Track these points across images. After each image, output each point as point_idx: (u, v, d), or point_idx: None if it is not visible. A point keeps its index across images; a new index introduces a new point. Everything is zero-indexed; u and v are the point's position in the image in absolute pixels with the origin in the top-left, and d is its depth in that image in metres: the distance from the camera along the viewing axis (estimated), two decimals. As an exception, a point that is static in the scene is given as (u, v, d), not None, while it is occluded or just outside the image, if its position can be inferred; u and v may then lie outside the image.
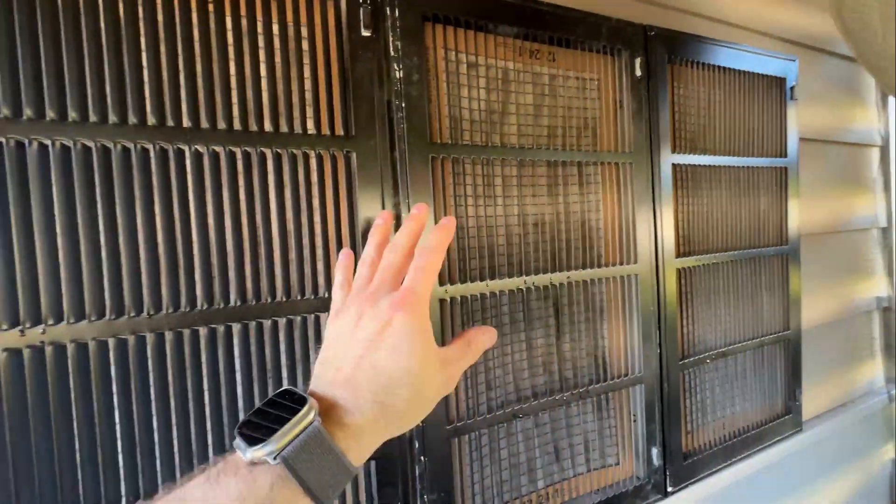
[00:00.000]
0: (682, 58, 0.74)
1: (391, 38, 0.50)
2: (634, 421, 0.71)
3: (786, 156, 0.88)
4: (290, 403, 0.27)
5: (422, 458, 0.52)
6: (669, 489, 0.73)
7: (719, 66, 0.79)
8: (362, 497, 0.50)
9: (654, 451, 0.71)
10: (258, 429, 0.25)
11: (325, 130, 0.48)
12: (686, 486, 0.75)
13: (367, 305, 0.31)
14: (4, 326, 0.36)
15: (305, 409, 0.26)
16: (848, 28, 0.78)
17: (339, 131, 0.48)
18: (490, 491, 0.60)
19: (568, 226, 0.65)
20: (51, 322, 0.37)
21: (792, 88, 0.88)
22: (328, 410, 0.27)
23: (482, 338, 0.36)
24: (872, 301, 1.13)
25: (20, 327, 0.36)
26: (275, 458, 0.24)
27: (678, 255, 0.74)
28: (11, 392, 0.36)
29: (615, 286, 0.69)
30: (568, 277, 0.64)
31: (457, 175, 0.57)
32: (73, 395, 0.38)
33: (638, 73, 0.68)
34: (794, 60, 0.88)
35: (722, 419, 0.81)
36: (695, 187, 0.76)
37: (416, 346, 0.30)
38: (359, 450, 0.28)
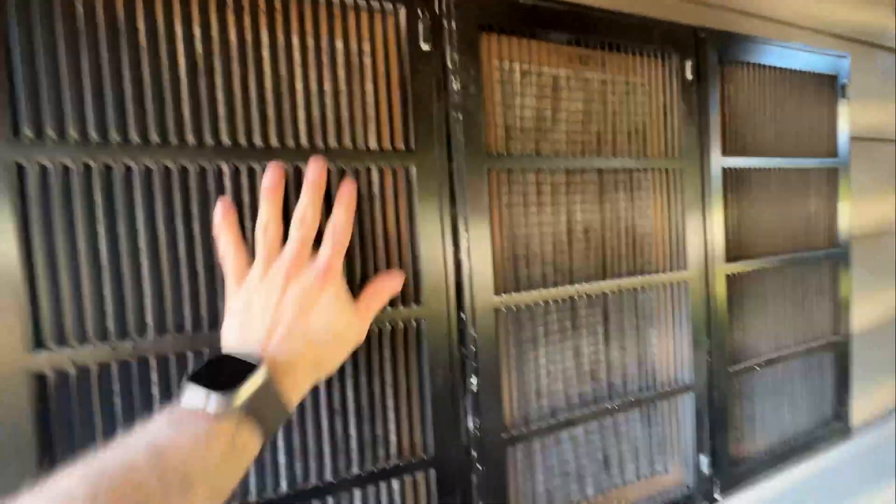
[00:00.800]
0: (732, 59, 0.72)
1: (449, 51, 0.50)
2: (679, 430, 0.70)
3: (836, 156, 0.86)
4: (240, 360, 0.31)
5: (479, 466, 0.53)
6: (717, 496, 0.72)
7: (770, 66, 0.76)
8: (422, 504, 0.51)
9: (704, 460, 0.70)
10: (214, 382, 0.29)
11: (387, 145, 0.48)
12: (734, 494, 0.74)
13: (291, 279, 0.35)
14: (97, 341, 0.38)
15: (263, 369, 0.31)
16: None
17: (400, 146, 0.49)
18: (542, 497, 0.60)
19: (617, 233, 0.64)
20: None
21: (843, 86, 0.85)
22: (272, 365, 0.32)
23: (388, 284, 0.42)
24: (923, 304, 1.09)
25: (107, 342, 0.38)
26: (240, 409, 0.29)
27: (727, 260, 0.72)
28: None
29: (665, 293, 0.68)
30: (618, 285, 0.63)
31: (511, 184, 0.57)
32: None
33: (689, 76, 0.67)
34: (845, 57, 0.85)
35: (770, 426, 0.79)
36: (744, 190, 0.75)
37: (341, 311, 0.36)
38: (297, 395, 0.34)
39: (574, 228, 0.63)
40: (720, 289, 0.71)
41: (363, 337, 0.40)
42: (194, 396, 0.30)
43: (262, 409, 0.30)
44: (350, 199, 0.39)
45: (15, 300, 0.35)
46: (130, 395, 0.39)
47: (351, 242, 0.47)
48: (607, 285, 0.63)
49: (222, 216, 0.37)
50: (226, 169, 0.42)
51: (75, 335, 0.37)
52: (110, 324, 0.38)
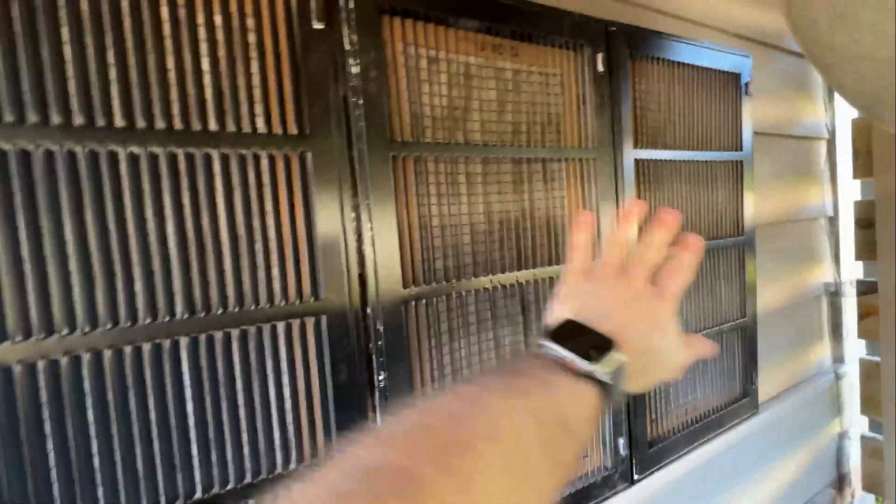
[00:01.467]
0: (642, 53, 0.74)
1: (346, 31, 0.48)
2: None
3: (741, 149, 0.91)
4: (598, 334, 0.31)
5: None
6: (636, 477, 0.75)
7: (678, 62, 0.80)
8: None
9: (621, 442, 0.72)
10: (578, 347, 0.30)
11: (277, 129, 0.45)
12: (651, 473, 0.77)
13: (646, 284, 0.36)
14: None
15: (621, 352, 0.31)
16: (796, 25, 0.81)
17: (293, 130, 0.46)
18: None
19: (533, 223, 0.65)
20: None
21: (746, 84, 0.91)
22: (628, 350, 0.32)
23: (707, 345, 0.42)
24: (821, 286, 1.20)
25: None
26: (606, 377, 0.29)
27: (641, 248, 0.75)
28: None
29: (581, 282, 0.69)
30: (534, 275, 0.64)
31: (419, 174, 0.55)
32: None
33: (600, 68, 0.69)
34: (748, 57, 0.91)
35: (684, 406, 0.84)
36: (656, 181, 0.78)
37: (676, 334, 0.36)
38: (630, 388, 0.33)
39: (492, 219, 0.62)
40: (634, 276, 0.73)
41: (684, 367, 0.38)
42: (562, 353, 0.29)
43: (615, 387, 0.30)
44: (698, 251, 0.39)
45: None
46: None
47: (237, 238, 0.43)
48: (524, 275, 0.63)
49: (585, 220, 0.39)
50: (79, 152, 0.37)
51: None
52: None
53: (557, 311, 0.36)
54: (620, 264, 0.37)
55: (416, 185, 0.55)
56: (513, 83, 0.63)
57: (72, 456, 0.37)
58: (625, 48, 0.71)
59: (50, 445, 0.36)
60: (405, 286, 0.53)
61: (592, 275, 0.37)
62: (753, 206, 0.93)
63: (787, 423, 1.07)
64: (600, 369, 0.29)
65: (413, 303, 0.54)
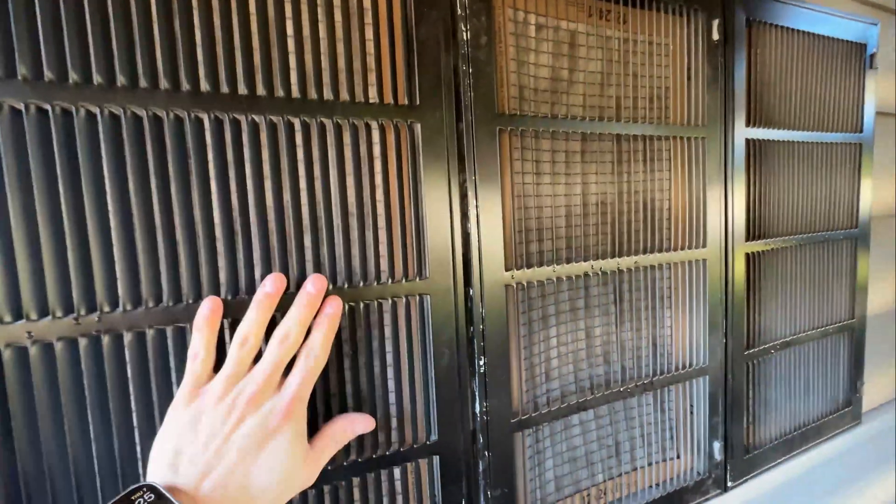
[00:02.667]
0: (761, 20, 0.67)
1: (458, -6, 0.45)
2: (692, 414, 0.67)
3: (861, 131, 0.81)
4: (167, 499, 0.28)
5: (486, 452, 0.49)
6: (730, 484, 0.69)
7: (797, 30, 0.71)
8: (425, 492, 0.47)
9: (717, 446, 0.67)
10: None
11: (388, 98, 0.43)
12: (746, 481, 0.71)
13: (251, 408, 0.32)
14: (59, 314, 0.33)
15: None
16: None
17: (403, 100, 0.44)
18: (551, 484, 0.57)
19: (633, 207, 0.60)
20: (106, 310, 0.34)
21: (872, 56, 0.80)
22: None
23: (353, 427, 0.39)
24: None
25: (74, 314, 0.34)
26: None
27: (748, 238, 0.68)
28: (69, 383, 0.34)
29: (682, 272, 0.64)
30: (635, 262, 0.59)
31: (521, 150, 0.52)
32: (130, 385, 0.35)
33: (715, 36, 0.62)
34: (875, 24, 0.80)
35: (784, 411, 0.77)
36: (767, 164, 0.70)
37: (292, 456, 0.33)
38: None
39: (588, 201, 0.58)
40: (739, 268, 0.67)
41: (310, 483, 0.36)
42: None
43: None
44: (333, 323, 0.36)
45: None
46: (100, 372, 0.34)
47: (348, 211, 0.42)
48: (623, 262, 0.58)
49: (209, 313, 0.35)
50: (206, 119, 0.37)
51: (35, 307, 0.33)
52: (76, 295, 0.34)
53: (153, 460, 0.33)
54: (235, 373, 0.33)
55: (517, 162, 0.52)
56: (618, 53, 0.58)
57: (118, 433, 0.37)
58: (742, 13, 0.64)
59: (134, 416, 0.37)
60: (507, 269, 0.50)
61: (200, 400, 0.33)
62: (871, 196, 0.83)
63: (888, 438, 0.97)
64: None
65: (514, 287, 0.51)
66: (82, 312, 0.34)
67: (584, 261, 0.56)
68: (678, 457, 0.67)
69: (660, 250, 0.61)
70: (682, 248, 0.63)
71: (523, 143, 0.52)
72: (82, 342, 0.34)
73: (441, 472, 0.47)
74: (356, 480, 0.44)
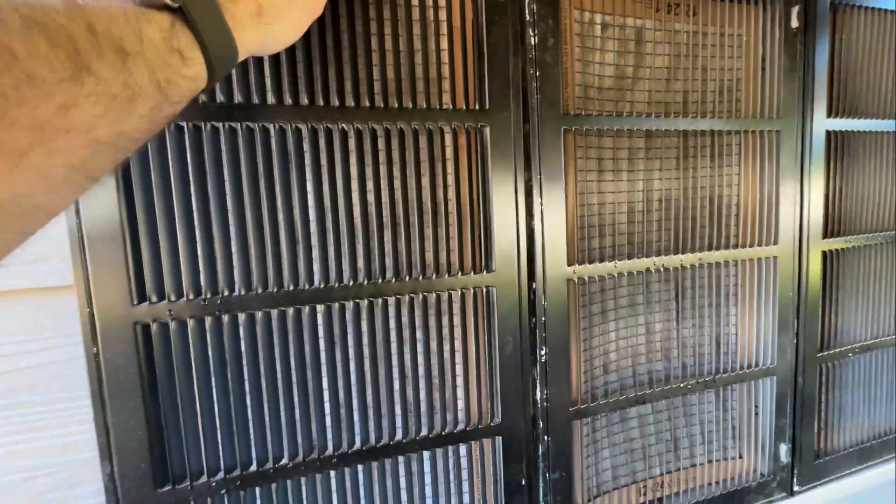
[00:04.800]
0: (846, 2, 0.62)
1: (528, 0, 0.47)
2: (756, 414, 0.66)
3: (966, 117, 0.73)
4: None
5: (545, 437, 0.52)
6: (796, 488, 0.67)
7: (889, 10, 0.66)
8: (489, 470, 0.51)
9: (783, 448, 0.65)
10: None
11: (461, 104, 0.46)
12: (814, 487, 0.69)
13: None
14: (191, 296, 0.40)
15: None
16: None
17: (474, 105, 0.47)
18: (607, 473, 0.59)
19: (698, 203, 0.59)
20: (225, 293, 0.41)
21: (983, 33, 0.72)
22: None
23: None
24: None
25: (202, 297, 0.40)
26: (175, 2, 0.25)
27: (825, 235, 0.65)
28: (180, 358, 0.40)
29: (750, 269, 0.63)
30: (699, 259, 0.59)
31: (584, 148, 0.54)
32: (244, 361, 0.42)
33: (794, 24, 0.59)
34: None
35: (862, 418, 0.73)
36: (850, 157, 0.66)
37: None
38: (241, 39, 0.29)
39: (651, 198, 0.58)
40: (814, 267, 0.64)
41: (317, 13, 0.35)
42: None
43: (204, 23, 0.26)
44: None
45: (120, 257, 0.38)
46: (220, 344, 0.41)
47: (422, 209, 0.46)
48: (686, 259, 0.58)
49: None
50: (304, 128, 0.42)
51: (173, 290, 0.39)
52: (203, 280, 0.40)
53: None
54: None
55: (580, 160, 0.53)
56: (686, 47, 0.57)
57: (250, 406, 0.43)
58: (826, -2, 0.61)
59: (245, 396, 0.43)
60: (569, 264, 0.52)
61: None
62: (976, 189, 0.75)
63: None
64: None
65: (576, 281, 0.53)
66: (208, 295, 0.40)
67: (646, 257, 0.56)
68: (740, 457, 0.66)
69: (726, 247, 0.60)
70: (752, 246, 0.61)
71: (587, 142, 0.54)
72: (208, 320, 0.40)
73: (503, 453, 0.50)
74: (426, 454, 0.48)
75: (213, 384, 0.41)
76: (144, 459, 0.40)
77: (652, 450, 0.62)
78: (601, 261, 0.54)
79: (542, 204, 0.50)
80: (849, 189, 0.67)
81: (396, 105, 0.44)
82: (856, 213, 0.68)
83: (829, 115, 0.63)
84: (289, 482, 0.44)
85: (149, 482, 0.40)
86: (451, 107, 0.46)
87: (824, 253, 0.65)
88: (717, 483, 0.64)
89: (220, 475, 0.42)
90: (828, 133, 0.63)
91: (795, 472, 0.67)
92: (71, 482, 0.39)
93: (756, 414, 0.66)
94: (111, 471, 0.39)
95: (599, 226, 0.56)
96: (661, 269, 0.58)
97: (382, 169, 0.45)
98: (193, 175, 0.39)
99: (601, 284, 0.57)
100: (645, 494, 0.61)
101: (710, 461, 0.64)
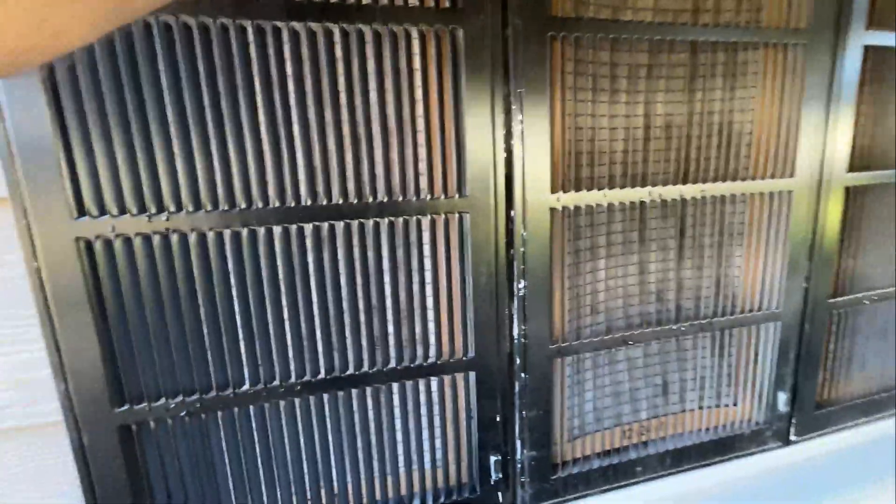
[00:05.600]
0: None
1: None
2: (756, 361, 0.62)
3: None
4: None
5: (522, 374, 0.50)
6: (793, 438, 0.64)
7: None
8: (461, 405, 0.49)
9: (782, 396, 0.62)
10: None
11: (429, 1, 0.41)
12: (813, 438, 0.66)
13: None
14: (135, 212, 0.37)
15: None
16: None
17: (445, 1, 0.41)
18: (590, 415, 0.57)
19: (706, 130, 0.53)
20: (172, 209, 0.38)
21: None
22: None
23: None
24: None
25: (147, 213, 0.38)
26: None
27: (851, 169, 0.58)
28: (147, 273, 0.38)
29: (761, 205, 0.57)
30: (702, 191, 0.53)
31: (576, 62, 0.48)
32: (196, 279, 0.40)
33: (836, -90, 0.50)
34: None
35: (872, 370, 0.68)
36: (890, 79, 0.58)
37: None
38: None
39: (652, 124, 0.52)
40: (835, 204, 0.58)
41: None
42: None
43: None
44: None
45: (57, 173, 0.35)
46: (170, 266, 0.39)
47: (387, 125, 0.42)
48: (687, 191, 0.53)
49: None
50: (249, 27, 0.37)
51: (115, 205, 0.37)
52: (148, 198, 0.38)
53: None
54: None
55: (570, 75, 0.48)
56: (703, -58, 0.49)
57: (225, 326, 0.41)
58: None
59: (204, 313, 0.41)
60: (553, 191, 0.47)
61: None
62: None
63: None
64: None
65: (560, 211, 0.48)
66: (153, 211, 0.38)
67: (642, 186, 0.51)
68: (735, 404, 0.63)
69: (734, 179, 0.54)
70: (763, 178, 0.55)
71: (578, 54, 0.48)
72: (155, 238, 0.38)
73: (477, 388, 0.49)
74: (395, 386, 0.47)
75: (166, 306, 0.39)
76: (99, 379, 0.39)
77: (640, 393, 0.59)
78: (590, 189, 0.49)
79: (522, 123, 0.45)
80: (883, 118, 0.59)
81: (354, 0, 0.39)
82: (889, 146, 0.60)
83: (868, 26, 0.54)
84: (251, 408, 0.43)
85: (105, 401, 0.39)
86: (419, 3, 0.40)
87: (847, 189, 0.59)
88: (707, 430, 0.62)
89: (179, 398, 0.41)
90: (866, 49, 0.55)
91: (794, 421, 0.64)
92: (28, 399, 0.39)
93: (755, 362, 0.62)
94: (66, 389, 0.38)
95: (590, 153, 0.51)
96: (659, 202, 0.53)
97: (341, 81, 0.40)
98: (127, 80, 0.35)
99: (591, 218, 0.52)
100: (630, 438, 0.60)
101: (701, 407, 0.61)
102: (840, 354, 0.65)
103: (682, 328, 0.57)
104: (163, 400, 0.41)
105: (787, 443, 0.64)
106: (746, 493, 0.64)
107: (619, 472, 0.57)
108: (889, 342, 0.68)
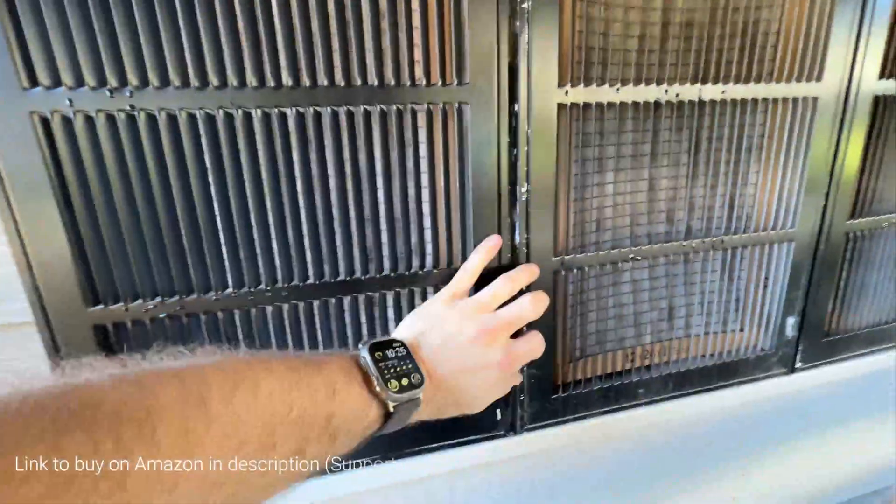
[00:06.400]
0: None
1: None
2: (766, 286, 0.60)
3: None
4: (414, 363, 0.34)
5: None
6: (798, 365, 0.63)
7: None
8: (460, 319, 0.47)
9: (790, 321, 0.60)
10: (385, 363, 0.32)
11: None
12: (818, 366, 0.65)
13: (489, 337, 0.38)
14: (93, 84, 0.33)
15: (425, 387, 0.33)
16: None
17: None
18: (591, 337, 0.55)
19: (731, 28, 0.48)
20: (136, 84, 0.34)
21: None
22: (432, 388, 0.35)
23: (538, 349, 0.43)
24: None
25: (107, 88, 0.34)
26: (392, 404, 0.31)
27: (883, 75, 0.54)
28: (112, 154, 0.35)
29: (783, 112, 0.53)
30: (722, 92, 0.49)
31: (589, -63, 0.42)
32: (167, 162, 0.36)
33: None
34: None
35: (885, 298, 0.66)
36: (933, -27, 0.52)
37: (498, 391, 0.40)
38: (418, 417, 0.35)
39: (671, 20, 0.47)
40: (862, 115, 0.54)
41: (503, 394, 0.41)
42: (370, 366, 0.32)
43: (400, 414, 0.32)
44: (544, 300, 0.43)
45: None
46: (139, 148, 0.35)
47: (378, 4, 0.37)
48: (706, 91, 0.49)
49: (492, 245, 0.43)
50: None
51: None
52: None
53: (402, 327, 0.39)
54: (487, 308, 0.40)
55: (585, -48, 0.42)
56: None
57: (232, 207, 0.38)
58: None
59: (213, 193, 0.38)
60: (561, 84, 0.43)
61: (459, 305, 0.39)
62: None
63: None
64: (392, 398, 0.30)
65: (568, 107, 0.44)
66: (115, 85, 0.34)
67: (657, 84, 0.47)
68: (741, 330, 0.61)
69: (756, 81, 0.50)
70: (789, 81, 0.51)
71: (593, -73, 0.42)
72: (120, 116, 0.34)
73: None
74: (390, 295, 0.44)
75: (137, 197, 0.36)
76: (70, 275, 0.36)
77: (644, 317, 0.57)
78: (601, 84, 0.45)
79: (529, 2, 0.40)
80: (922, 20, 0.54)
81: None
82: (925, 51, 0.55)
83: None
84: (236, 312, 0.41)
85: (78, 300, 0.37)
86: None
87: (877, 98, 0.54)
88: (710, 355, 0.60)
89: (158, 299, 0.38)
90: (911, -66, 0.49)
91: (800, 348, 0.62)
92: (-5, 296, 0.36)
93: (766, 286, 0.60)
94: (34, 285, 0.36)
95: (602, 49, 0.46)
96: (675, 103, 0.48)
97: (324, -63, 0.35)
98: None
99: (601, 124, 0.48)
100: (633, 361, 0.58)
101: (707, 333, 0.59)
102: (854, 280, 0.63)
103: (692, 244, 0.54)
104: (140, 301, 0.38)
105: (793, 370, 0.63)
106: (749, 418, 0.63)
107: (621, 395, 0.56)
108: (903, 270, 0.66)
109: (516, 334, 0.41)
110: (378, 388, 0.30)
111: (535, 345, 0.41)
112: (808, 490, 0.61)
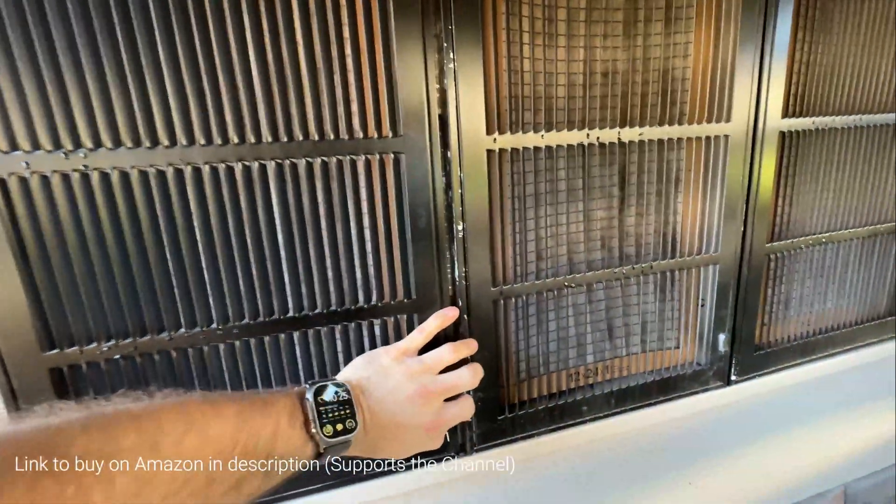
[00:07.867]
0: None
1: None
2: (702, 306, 0.65)
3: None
4: (352, 407, 0.38)
5: (464, 316, 0.51)
6: (733, 377, 0.68)
7: None
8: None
9: (721, 338, 0.65)
10: (326, 407, 0.36)
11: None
12: (753, 378, 0.69)
13: (425, 399, 0.42)
14: (49, 148, 0.36)
15: (357, 432, 0.37)
16: None
17: (368, -67, 0.40)
18: (536, 360, 0.59)
19: (646, 76, 0.54)
20: (90, 146, 0.37)
21: None
22: (364, 433, 0.39)
23: (466, 414, 0.47)
24: None
25: (62, 150, 0.37)
26: (323, 446, 0.35)
27: (786, 115, 0.60)
28: (69, 213, 0.38)
29: (698, 149, 0.58)
30: (640, 134, 0.54)
31: (509, 3, 0.47)
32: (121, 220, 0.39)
33: None
34: None
35: (809, 314, 0.72)
36: (824, 22, 0.59)
37: (420, 447, 0.43)
38: (347, 454, 0.38)
39: (593, 70, 0.53)
40: (770, 149, 0.60)
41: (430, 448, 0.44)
42: (309, 408, 0.36)
43: (329, 452, 0.36)
44: (476, 369, 0.48)
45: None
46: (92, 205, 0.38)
47: (315, 61, 0.41)
48: (626, 134, 0.54)
49: (450, 314, 0.48)
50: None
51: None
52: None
53: (351, 369, 0.44)
54: (430, 371, 0.44)
55: (511, 17, 0.47)
56: None
57: (183, 259, 0.41)
58: None
59: (134, 252, 0.41)
60: (489, 132, 0.48)
61: (406, 363, 0.43)
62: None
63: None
64: (324, 441, 0.34)
65: (497, 153, 0.49)
66: (69, 147, 0.37)
67: (579, 129, 0.52)
68: (677, 347, 0.66)
69: (671, 123, 0.55)
70: (701, 122, 0.56)
71: (513, -6, 0.47)
72: (74, 176, 0.37)
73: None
74: (338, 329, 0.47)
75: (91, 248, 0.39)
76: (25, 321, 0.38)
77: (586, 338, 0.61)
78: (527, 132, 0.50)
79: (454, 61, 0.45)
80: (818, 60, 0.60)
81: (272, -71, 0.38)
82: (823, 91, 0.62)
83: (801, -30, 0.55)
84: (189, 350, 0.43)
85: (34, 345, 0.39)
86: (341, -64, 0.40)
87: (783, 134, 0.61)
88: (651, 371, 0.64)
89: (112, 342, 0.41)
90: (799, -7, 0.56)
91: (734, 361, 0.67)
92: (-48, 344, 0.38)
93: (702, 306, 0.65)
94: (-9, 332, 0.38)
95: (528, 97, 0.51)
96: (597, 144, 0.53)
97: (264, 20, 0.39)
98: (29, 5, 0.34)
99: (532, 164, 0.53)
100: (577, 380, 0.62)
101: (645, 350, 0.64)
102: (778, 297, 0.68)
103: (625, 271, 0.58)
104: (94, 343, 0.41)
105: (729, 383, 0.68)
106: (691, 430, 0.67)
107: (567, 412, 0.60)
108: (826, 286, 0.72)
109: (452, 397, 0.45)
110: (314, 430, 0.34)
111: (465, 409, 0.45)
112: (752, 496, 0.65)
